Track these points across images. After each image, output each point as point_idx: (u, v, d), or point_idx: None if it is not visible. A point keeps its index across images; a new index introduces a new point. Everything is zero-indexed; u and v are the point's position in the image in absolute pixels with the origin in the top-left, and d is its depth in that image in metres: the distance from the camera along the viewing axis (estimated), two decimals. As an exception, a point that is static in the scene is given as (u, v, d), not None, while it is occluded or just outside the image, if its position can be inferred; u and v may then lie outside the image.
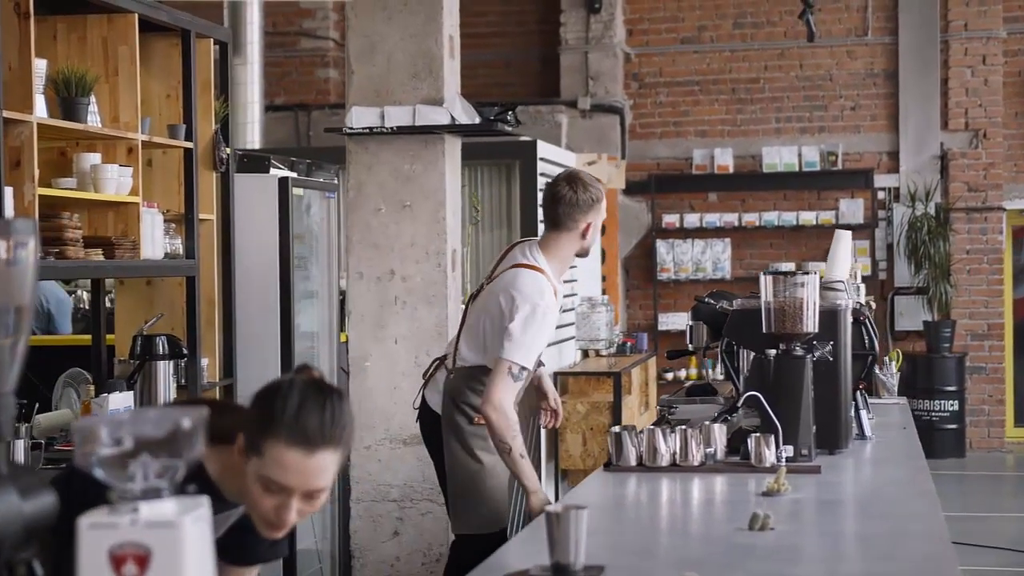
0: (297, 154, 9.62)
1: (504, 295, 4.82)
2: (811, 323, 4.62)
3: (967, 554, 8.87)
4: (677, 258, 13.54)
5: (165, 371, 5.68)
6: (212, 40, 6.19)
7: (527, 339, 4.73)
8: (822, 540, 3.45)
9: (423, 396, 5.12)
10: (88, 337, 6.04)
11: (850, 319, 4.94)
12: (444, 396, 4.98)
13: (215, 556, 2.96)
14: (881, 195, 13.42)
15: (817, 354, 4.72)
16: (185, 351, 5.79)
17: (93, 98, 5.18)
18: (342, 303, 7.04)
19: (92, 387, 5.73)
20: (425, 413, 5.10)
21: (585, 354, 10.68)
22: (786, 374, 4.61)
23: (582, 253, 5.05)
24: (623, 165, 13.36)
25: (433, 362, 5.18)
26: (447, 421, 4.97)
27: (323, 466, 2.57)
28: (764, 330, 4.65)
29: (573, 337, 10.28)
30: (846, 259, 5.74)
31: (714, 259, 13.46)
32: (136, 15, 5.42)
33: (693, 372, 13.16)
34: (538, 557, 2.96)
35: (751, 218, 13.40)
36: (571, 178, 4.99)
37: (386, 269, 6.41)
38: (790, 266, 11.99)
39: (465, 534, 4.97)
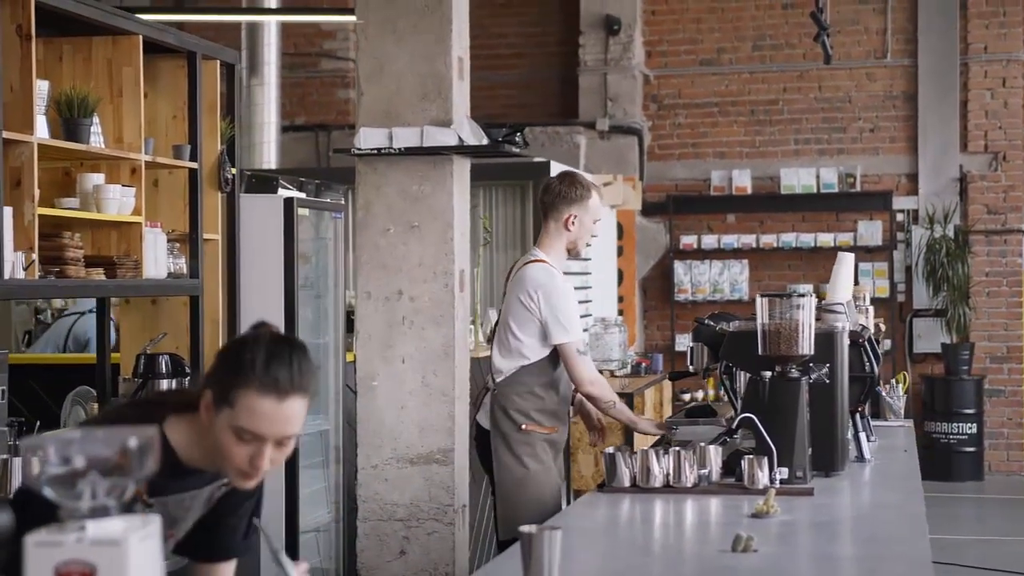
0: (315, 175, 9.68)
1: (521, 294, 5.33)
2: (806, 345, 4.63)
3: (983, 579, 8.85)
4: (695, 279, 13.53)
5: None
6: (219, 62, 6.22)
7: (565, 316, 5.26)
8: (802, 562, 3.45)
9: (476, 422, 5.56)
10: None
11: (847, 342, 4.93)
12: (492, 408, 5.40)
13: (193, 556, 3.05)
14: (900, 217, 13.38)
15: (813, 376, 4.72)
16: (188, 370, 5.82)
17: (96, 119, 5.23)
18: (349, 323, 7.06)
19: (96, 405, 5.77)
20: (479, 435, 5.54)
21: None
22: (781, 396, 4.61)
23: (571, 248, 5.47)
24: (639, 186, 13.38)
25: (481, 391, 5.62)
26: (495, 430, 5.38)
27: (293, 412, 2.68)
28: (760, 352, 4.65)
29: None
30: (848, 281, 5.74)
31: (732, 280, 13.45)
32: (141, 37, 5.47)
33: (711, 393, 13.14)
34: (514, 578, 2.97)
35: (769, 239, 13.39)
36: (564, 175, 5.63)
37: (394, 289, 6.42)
38: (808, 287, 11.96)
39: (509, 539, 5.04)
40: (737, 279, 13.46)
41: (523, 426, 5.34)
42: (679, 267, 13.55)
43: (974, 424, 12.86)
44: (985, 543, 10.32)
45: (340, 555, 7.09)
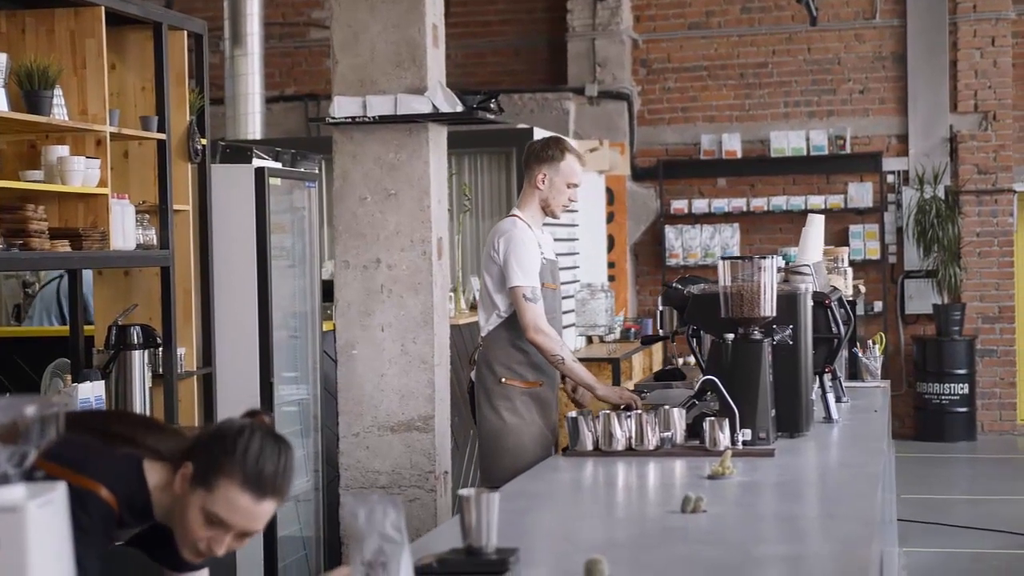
0: (296, 144, 9.66)
1: (489, 247, 5.52)
2: (768, 307, 4.64)
3: (975, 537, 8.86)
4: (686, 244, 13.53)
5: (140, 360, 5.73)
6: (186, 32, 6.21)
7: (518, 261, 5.38)
8: (749, 523, 3.47)
9: (470, 379, 5.70)
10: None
11: (810, 303, 4.93)
12: (477, 363, 5.56)
13: (168, 566, 3.04)
14: (890, 178, 13.37)
15: (776, 338, 4.73)
16: (160, 340, 5.84)
17: (59, 91, 5.22)
18: (325, 292, 7.07)
19: (69, 376, 5.78)
20: (471, 390, 5.69)
21: (589, 340, 10.71)
22: (743, 358, 4.63)
23: (544, 207, 5.59)
24: (628, 151, 13.36)
25: (474, 349, 5.74)
26: (479, 383, 5.56)
27: (266, 512, 2.75)
28: (722, 315, 4.66)
29: (574, 324, 10.29)
30: (817, 243, 5.75)
31: (723, 244, 13.44)
32: (103, 8, 5.45)
33: (703, 358, 13.15)
34: (457, 542, 2.99)
35: (759, 203, 13.39)
36: (545, 138, 5.80)
37: (372, 258, 6.42)
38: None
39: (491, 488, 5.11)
40: (728, 243, 13.45)
41: (503, 379, 5.47)
42: (670, 232, 13.54)
43: (966, 384, 12.87)
44: (978, 502, 10.34)
45: (321, 523, 7.12)
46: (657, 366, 11.25)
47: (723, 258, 4.70)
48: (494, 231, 5.60)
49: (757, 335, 4.65)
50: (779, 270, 5.09)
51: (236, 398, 6.51)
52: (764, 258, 4.67)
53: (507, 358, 5.51)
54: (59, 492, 1.96)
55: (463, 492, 2.94)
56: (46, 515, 1.92)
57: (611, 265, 13.01)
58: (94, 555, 2.71)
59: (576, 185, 5.64)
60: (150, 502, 2.81)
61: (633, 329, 11.13)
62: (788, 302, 4.79)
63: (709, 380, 4.58)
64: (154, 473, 2.81)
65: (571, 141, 6.14)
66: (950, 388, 12.85)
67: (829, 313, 5.25)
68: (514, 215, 5.61)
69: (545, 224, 5.74)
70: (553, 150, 5.61)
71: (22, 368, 6.79)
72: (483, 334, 5.62)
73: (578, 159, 5.68)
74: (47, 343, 6.86)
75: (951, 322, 12.90)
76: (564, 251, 10.57)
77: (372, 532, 2.72)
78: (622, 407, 5.17)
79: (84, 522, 2.63)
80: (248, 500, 2.71)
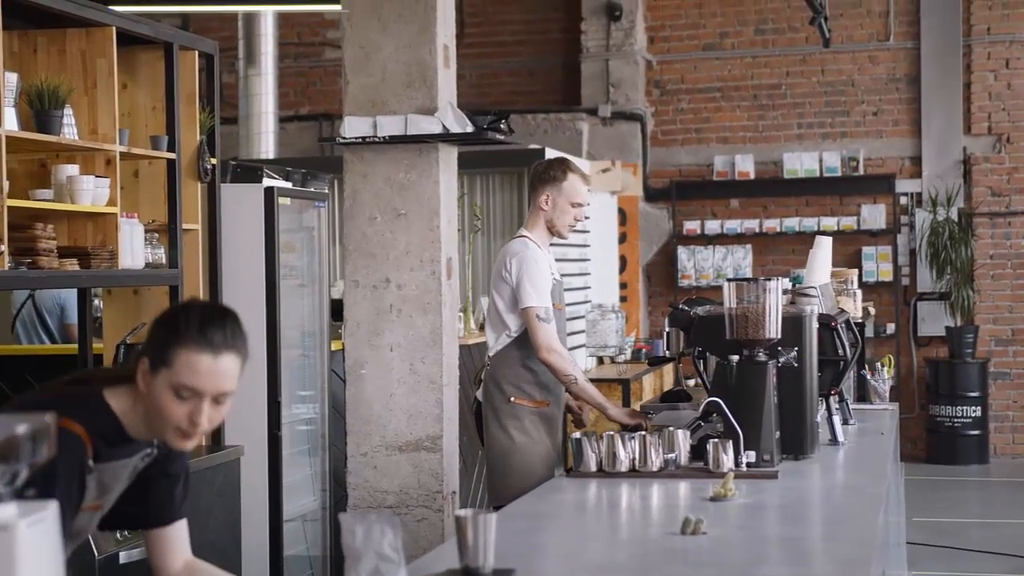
0: (308, 164, 9.70)
1: (499, 266, 5.56)
2: (773, 329, 4.63)
3: (986, 561, 8.82)
4: (698, 265, 13.53)
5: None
6: (197, 52, 6.25)
7: (531, 282, 5.43)
8: (749, 545, 3.46)
9: (476, 398, 5.73)
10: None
11: (815, 325, 4.93)
12: (485, 382, 5.59)
13: (135, 526, 3.12)
14: (903, 200, 13.36)
15: (781, 360, 4.73)
16: (168, 359, 5.85)
17: (70, 110, 5.25)
18: (334, 311, 7.08)
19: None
20: (478, 409, 5.71)
21: (600, 361, 10.71)
22: (748, 380, 4.62)
23: (550, 227, 5.64)
24: (640, 172, 13.37)
25: (481, 368, 5.79)
26: (487, 402, 5.58)
27: (228, 368, 2.85)
28: (727, 336, 4.67)
29: (584, 345, 10.30)
30: (824, 265, 5.74)
31: (735, 265, 13.44)
32: (114, 28, 5.49)
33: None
34: (453, 562, 3.00)
35: (772, 224, 13.38)
36: (549, 159, 5.88)
37: (381, 277, 6.43)
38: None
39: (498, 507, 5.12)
40: (741, 264, 13.45)
41: (512, 398, 5.51)
42: (682, 253, 13.54)
43: (979, 407, 12.84)
44: (990, 526, 10.30)
45: (328, 543, 7.13)
46: (668, 387, 11.23)
47: (728, 280, 4.70)
48: (505, 252, 5.63)
49: (762, 357, 4.65)
50: (785, 292, 5.09)
51: (244, 417, 6.52)
52: (769, 280, 4.67)
53: (516, 377, 5.54)
54: (50, 511, 1.97)
55: (460, 513, 2.95)
56: (36, 534, 1.93)
57: (623, 286, 13.01)
58: (68, 496, 2.80)
59: (580, 205, 5.68)
60: (121, 425, 2.93)
61: (644, 350, 11.13)
62: (793, 324, 4.78)
63: (713, 402, 4.58)
64: (117, 399, 2.93)
65: (576, 161, 6.16)
66: (963, 411, 12.81)
67: (836, 335, 5.24)
68: (523, 236, 5.65)
69: (553, 244, 5.77)
70: (556, 171, 5.66)
71: (33, 386, 6.82)
72: (491, 353, 5.65)
73: (582, 179, 5.71)
74: (59, 361, 6.89)
75: (964, 344, 12.87)
76: (575, 271, 10.59)
77: (369, 551, 2.73)
78: (630, 427, 5.18)
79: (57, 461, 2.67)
80: (207, 359, 2.82)
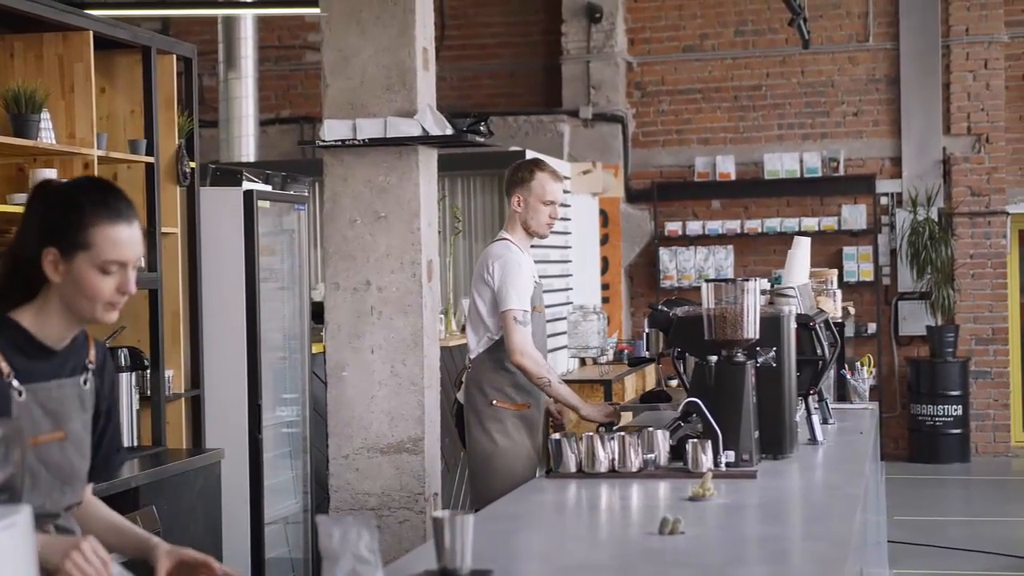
0: (287, 167, 9.69)
1: (481, 269, 5.61)
2: (752, 329, 4.65)
3: (968, 559, 8.85)
4: (680, 265, 13.55)
5: (128, 383, 5.75)
6: (175, 56, 6.24)
7: (512, 285, 5.47)
8: (727, 544, 3.48)
9: (456, 400, 5.77)
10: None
11: (794, 325, 4.95)
12: (466, 385, 5.63)
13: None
14: (884, 200, 13.40)
15: (760, 360, 4.75)
16: (147, 363, 5.85)
17: (47, 114, 5.25)
18: (315, 314, 7.08)
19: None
20: (459, 412, 5.77)
21: (583, 362, 10.72)
22: (727, 380, 4.64)
23: (525, 227, 5.69)
24: (621, 173, 13.39)
25: (461, 370, 5.84)
26: (469, 405, 5.59)
27: (138, 233, 2.96)
28: (706, 337, 4.68)
29: (566, 346, 10.31)
30: (803, 265, 5.76)
31: (717, 266, 13.46)
32: (91, 33, 5.49)
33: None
34: (431, 563, 3.00)
35: (753, 225, 13.41)
36: (518, 162, 5.97)
37: (362, 280, 6.43)
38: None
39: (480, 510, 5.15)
40: (722, 265, 13.48)
41: (494, 401, 5.55)
42: (664, 254, 13.56)
43: (960, 406, 12.88)
44: (971, 524, 10.34)
45: (309, 545, 7.13)
46: (650, 388, 11.25)
47: (707, 280, 4.72)
48: (486, 255, 5.67)
49: (740, 357, 4.66)
50: (763, 292, 5.11)
51: (224, 420, 6.52)
52: (747, 280, 4.69)
53: (498, 380, 5.59)
54: (23, 515, 1.98)
55: (437, 514, 2.96)
56: (10, 538, 1.93)
57: (605, 287, 13.03)
58: None
59: (552, 203, 5.73)
60: (32, 336, 2.91)
61: (626, 351, 11.14)
62: (772, 324, 4.80)
63: (692, 402, 4.60)
64: (24, 315, 2.92)
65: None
66: (944, 409, 12.86)
67: (814, 335, 5.26)
68: (505, 239, 5.69)
69: (534, 245, 5.79)
70: (523, 172, 5.74)
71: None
72: (472, 356, 5.69)
73: (552, 176, 5.76)
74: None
75: (945, 344, 12.92)
76: (557, 272, 10.60)
77: (346, 553, 2.74)
78: (605, 424, 5.21)
79: None
80: (125, 230, 2.89)
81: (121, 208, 2.90)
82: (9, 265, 2.95)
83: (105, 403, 3.11)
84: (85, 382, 3.03)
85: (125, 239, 2.88)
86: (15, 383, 2.86)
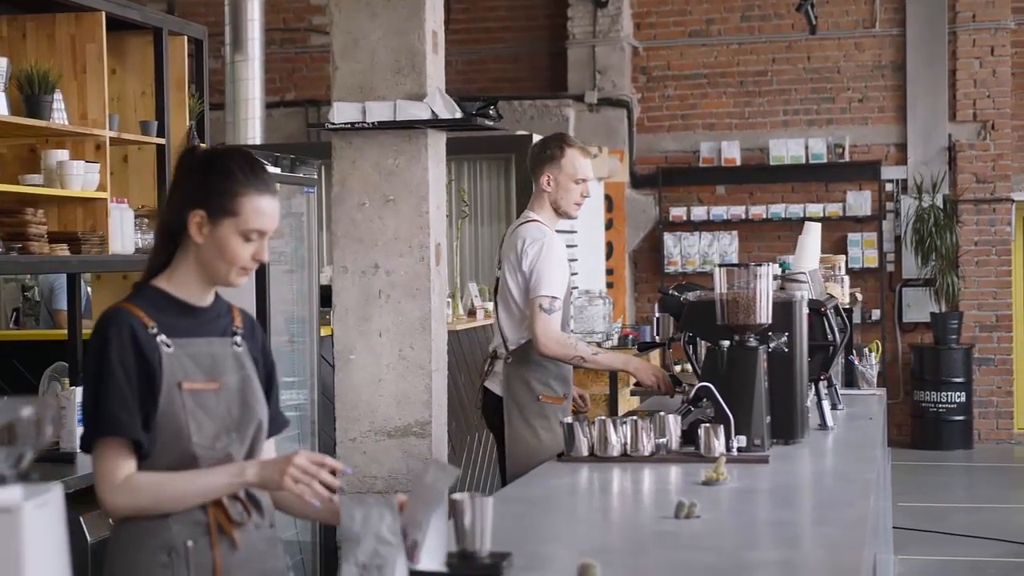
0: (296, 150, 9.68)
1: (514, 250, 5.40)
2: (764, 315, 4.65)
3: (971, 545, 8.87)
4: (684, 251, 13.55)
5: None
6: (186, 37, 6.24)
7: (546, 271, 5.29)
8: (742, 528, 3.48)
9: (484, 387, 5.59)
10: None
11: (806, 310, 4.95)
12: (507, 377, 5.41)
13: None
14: (889, 187, 13.40)
15: (772, 345, 4.75)
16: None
17: (59, 95, 5.24)
18: (323, 297, 7.08)
19: (67, 380, 5.80)
20: (488, 400, 5.59)
21: (587, 347, 10.71)
22: (739, 365, 4.64)
23: (555, 207, 5.49)
24: (627, 158, 13.38)
25: (486, 360, 5.66)
26: (512, 398, 5.42)
27: (278, 207, 3.09)
28: (718, 322, 4.68)
29: (571, 331, 10.30)
30: (814, 251, 5.76)
31: (721, 252, 13.47)
32: (103, 13, 5.48)
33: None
34: (450, 545, 3.00)
35: (758, 211, 13.41)
36: (543, 139, 5.75)
37: (370, 263, 6.43)
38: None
39: None
40: (727, 250, 13.48)
41: (540, 397, 5.40)
42: (669, 239, 13.56)
43: (963, 393, 12.90)
44: (974, 510, 10.35)
45: (317, 527, 7.13)
46: (655, 373, 11.25)
47: (719, 265, 4.71)
48: (518, 237, 5.46)
49: (753, 342, 4.66)
50: (775, 278, 5.11)
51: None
52: (760, 265, 4.68)
53: (543, 374, 5.43)
54: (55, 493, 1.98)
55: (457, 496, 2.96)
56: (42, 516, 1.93)
57: (610, 272, 13.03)
58: (124, 368, 2.90)
59: (584, 180, 5.52)
60: (171, 295, 3.02)
61: (631, 336, 11.13)
62: (784, 310, 4.80)
63: (704, 387, 4.60)
64: (164, 280, 3.04)
65: (573, 137, 6.10)
66: (947, 396, 12.87)
67: (825, 321, 5.26)
68: (535, 220, 5.49)
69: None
70: (552, 148, 5.52)
71: (20, 372, 6.81)
72: (512, 347, 5.48)
73: (582, 152, 5.55)
74: (45, 347, 6.87)
75: (949, 330, 12.92)
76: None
77: (368, 534, 2.74)
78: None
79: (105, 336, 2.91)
80: (268, 201, 3.02)
81: (267, 180, 3.05)
82: (162, 236, 3.08)
83: (263, 369, 3.19)
84: (236, 344, 3.12)
85: (269, 210, 3.02)
86: (162, 336, 2.96)
